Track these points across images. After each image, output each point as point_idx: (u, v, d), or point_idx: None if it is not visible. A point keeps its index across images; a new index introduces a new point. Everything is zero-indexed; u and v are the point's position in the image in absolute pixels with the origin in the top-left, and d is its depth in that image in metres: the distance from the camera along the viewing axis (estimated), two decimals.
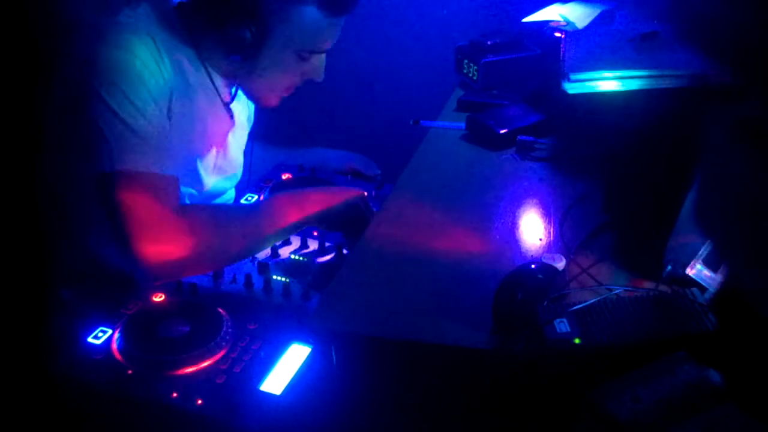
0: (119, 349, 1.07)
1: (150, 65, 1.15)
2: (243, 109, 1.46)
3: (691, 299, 0.88)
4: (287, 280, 1.21)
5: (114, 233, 1.11)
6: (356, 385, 0.96)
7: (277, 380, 1.03)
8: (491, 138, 1.36)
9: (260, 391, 1.02)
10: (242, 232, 1.20)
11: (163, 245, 1.09)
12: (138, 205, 1.09)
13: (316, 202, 1.25)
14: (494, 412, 0.92)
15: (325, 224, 1.28)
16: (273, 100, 1.34)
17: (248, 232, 1.20)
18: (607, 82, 1.14)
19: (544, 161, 1.30)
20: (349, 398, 0.96)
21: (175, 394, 1.01)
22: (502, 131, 1.35)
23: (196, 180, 1.36)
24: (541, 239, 1.08)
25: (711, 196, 0.63)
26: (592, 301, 0.88)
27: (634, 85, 1.12)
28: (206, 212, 1.22)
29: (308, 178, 1.53)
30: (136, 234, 1.08)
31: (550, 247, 1.05)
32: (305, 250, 1.30)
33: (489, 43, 1.57)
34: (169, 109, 1.20)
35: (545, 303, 0.89)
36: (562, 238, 1.07)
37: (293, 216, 1.22)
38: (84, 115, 1.12)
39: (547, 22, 1.55)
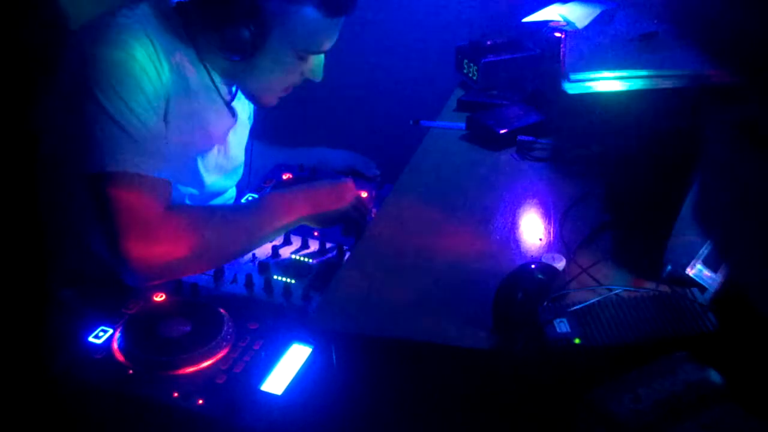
0: (120, 348, 1.07)
1: (147, 66, 1.15)
2: (244, 106, 1.46)
3: (691, 299, 0.88)
4: (288, 280, 1.21)
5: (103, 234, 1.10)
6: (356, 385, 0.96)
7: (277, 380, 1.03)
8: (491, 138, 1.36)
9: (261, 391, 1.02)
10: (232, 232, 1.19)
11: (150, 246, 1.09)
12: (126, 206, 1.09)
13: (307, 202, 1.24)
14: (494, 412, 0.92)
15: (319, 223, 1.27)
16: (272, 100, 1.34)
17: (239, 232, 1.19)
18: (607, 82, 1.14)
19: (544, 161, 1.30)
20: (349, 398, 0.96)
21: (175, 394, 1.01)
22: (502, 131, 1.35)
23: (197, 179, 1.36)
24: (541, 239, 1.08)
25: (711, 196, 0.63)
26: (592, 301, 0.88)
27: (634, 85, 1.12)
28: (195, 213, 1.21)
29: (308, 178, 1.53)
30: (124, 235, 1.08)
31: (550, 247, 1.05)
32: (306, 250, 1.30)
33: (489, 43, 1.57)
34: (166, 111, 1.19)
35: (545, 303, 0.89)
36: (562, 238, 1.07)
37: (285, 217, 1.22)
38: (79, 114, 1.12)
39: (547, 22, 1.55)
